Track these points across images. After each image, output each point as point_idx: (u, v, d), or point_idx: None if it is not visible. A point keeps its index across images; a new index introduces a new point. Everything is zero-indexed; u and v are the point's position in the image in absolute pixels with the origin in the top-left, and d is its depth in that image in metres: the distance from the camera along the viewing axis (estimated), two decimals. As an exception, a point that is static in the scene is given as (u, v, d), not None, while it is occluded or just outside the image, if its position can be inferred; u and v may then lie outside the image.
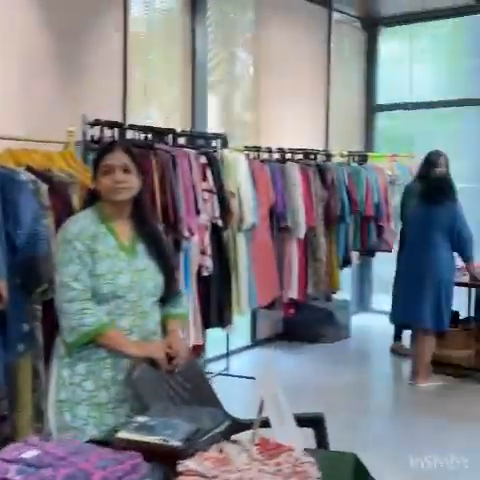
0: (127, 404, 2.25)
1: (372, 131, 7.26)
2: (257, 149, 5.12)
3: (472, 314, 5.56)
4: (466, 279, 5.06)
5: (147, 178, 3.50)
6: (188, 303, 3.98)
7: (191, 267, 3.99)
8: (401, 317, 5.00)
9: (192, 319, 4.00)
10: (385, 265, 6.64)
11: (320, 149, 5.95)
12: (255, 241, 4.80)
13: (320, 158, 5.73)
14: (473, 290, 5.48)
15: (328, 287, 5.65)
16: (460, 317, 5.34)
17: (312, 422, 2.38)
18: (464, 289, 5.39)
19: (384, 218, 6.06)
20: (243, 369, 5.23)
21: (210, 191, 4.11)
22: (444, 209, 4.78)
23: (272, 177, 4.97)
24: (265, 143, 5.34)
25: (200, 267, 4.09)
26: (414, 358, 4.99)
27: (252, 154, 5.06)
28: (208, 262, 4.09)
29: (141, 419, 1.81)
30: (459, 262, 5.02)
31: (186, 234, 3.83)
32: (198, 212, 3.96)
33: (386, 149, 7.02)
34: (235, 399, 4.78)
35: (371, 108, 7.23)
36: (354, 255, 6.07)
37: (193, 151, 4.06)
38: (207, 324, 4.21)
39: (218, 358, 5.31)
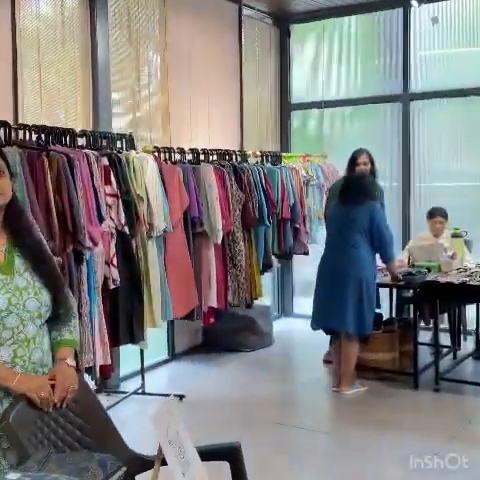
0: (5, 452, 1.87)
1: (287, 130, 7.08)
2: (168, 150, 4.81)
3: (394, 315, 5.47)
4: (387, 280, 4.92)
5: (39, 183, 3.14)
6: (95, 318, 3.63)
7: (95, 280, 3.62)
8: (322, 322, 4.78)
9: (98, 337, 3.63)
10: (306, 267, 6.49)
11: (235, 149, 5.70)
12: (169, 248, 4.49)
13: (236, 159, 5.47)
14: (394, 291, 5.39)
15: (249, 294, 5.40)
16: (383, 319, 5.21)
17: (226, 454, 2.09)
18: (386, 290, 5.28)
19: (300, 220, 5.87)
20: (160, 386, 4.89)
21: (114, 196, 3.76)
22: (363, 209, 4.62)
23: (185, 179, 4.67)
24: (177, 144, 5.04)
25: (106, 279, 3.73)
26: (337, 364, 4.80)
27: (163, 155, 4.74)
28: (115, 274, 3.74)
29: (13, 477, 1.47)
30: (380, 262, 4.89)
31: (88, 244, 3.47)
32: (101, 219, 3.60)
33: (302, 149, 6.87)
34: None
35: (286, 107, 7.05)
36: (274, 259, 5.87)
37: (94, 152, 3.70)
38: (116, 342, 3.85)
39: (133, 375, 4.95)
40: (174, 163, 4.77)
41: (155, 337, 4.95)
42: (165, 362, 5.52)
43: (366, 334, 4.65)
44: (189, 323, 5.11)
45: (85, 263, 3.53)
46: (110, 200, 3.73)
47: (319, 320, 4.78)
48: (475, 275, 4.69)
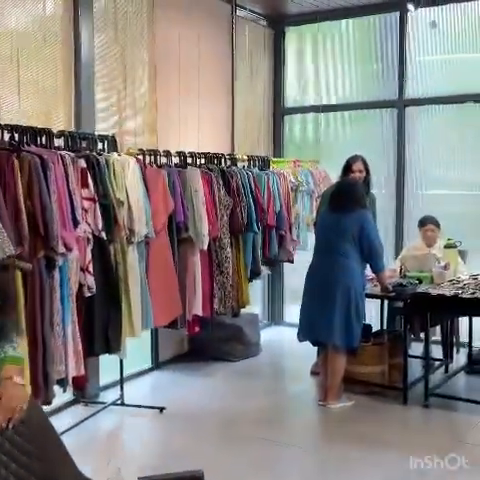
0: None
1: (280, 135, 6.93)
2: (153, 153, 4.65)
3: (385, 327, 5.31)
4: (377, 290, 4.76)
5: (8, 185, 2.99)
6: (68, 327, 3.47)
7: (69, 287, 3.46)
8: (309, 333, 4.61)
9: (71, 347, 3.47)
10: (297, 274, 6.32)
11: (225, 153, 5.55)
12: (151, 254, 4.34)
13: (224, 162, 5.32)
14: (385, 302, 5.23)
15: (236, 302, 5.24)
16: (372, 330, 5.05)
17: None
18: (377, 301, 5.12)
19: (285, 227, 5.71)
20: (141, 397, 4.73)
21: (91, 199, 3.61)
22: (354, 216, 4.46)
23: (170, 183, 4.52)
24: (165, 147, 4.88)
25: (81, 287, 3.57)
26: (324, 377, 4.64)
27: (148, 158, 4.59)
28: (90, 281, 3.58)
29: None
30: (370, 272, 4.74)
31: (61, 249, 3.31)
32: (76, 224, 3.45)
33: (295, 154, 6.72)
34: (128, 433, 4.32)
35: (279, 110, 6.90)
36: (261, 266, 5.70)
37: (70, 154, 3.54)
38: (90, 352, 3.69)
39: (114, 385, 4.78)
40: (159, 166, 4.61)
41: (138, 345, 4.79)
42: (148, 371, 5.36)
43: (354, 347, 4.48)
44: (174, 331, 4.95)
45: (58, 269, 3.36)
46: (87, 204, 3.57)
47: (305, 331, 4.62)
48: (467, 287, 4.53)
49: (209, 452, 3.87)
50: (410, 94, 6.32)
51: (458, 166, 6.17)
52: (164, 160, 4.75)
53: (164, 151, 4.75)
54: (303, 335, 4.63)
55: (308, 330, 4.59)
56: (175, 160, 4.87)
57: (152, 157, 4.62)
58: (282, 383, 5.41)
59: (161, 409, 4.43)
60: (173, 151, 4.83)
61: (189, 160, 4.92)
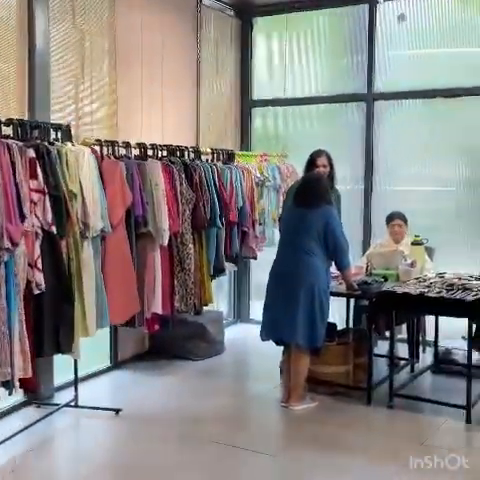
0: None
1: (247, 128, 6.77)
2: (111, 143, 4.46)
3: (351, 326, 5.20)
4: (343, 288, 4.64)
5: None
6: (14, 327, 3.28)
7: (15, 284, 3.26)
8: (271, 332, 4.47)
9: (18, 347, 3.28)
10: (264, 271, 6.16)
11: (189, 146, 5.37)
12: (108, 250, 4.15)
13: (188, 156, 5.14)
14: (351, 300, 5.11)
15: (198, 299, 5.08)
16: (337, 329, 4.93)
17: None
18: (341, 299, 4.99)
19: (248, 223, 5.55)
20: (98, 397, 4.54)
21: (40, 191, 3.41)
22: (319, 212, 4.33)
23: (129, 175, 4.33)
24: (125, 138, 4.69)
25: (29, 284, 3.38)
26: (287, 377, 4.50)
27: (106, 149, 4.39)
28: (38, 277, 3.38)
29: None
30: (335, 270, 4.61)
31: (6, 244, 3.12)
32: (23, 217, 3.25)
33: (263, 147, 6.57)
34: (81, 436, 4.13)
35: (246, 103, 6.74)
36: (227, 263, 5.55)
37: (17, 143, 3.34)
38: (40, 352, 3.50)
39: (70, 385, 4.58)
40: (118, 158, 4.42)
41: (96, 344, 4.62)
42: (106, 371, 5.18)
43: (318, 346, 4.36)
44: (134, 329, 4.77)
45: (3, 265, 3.17)
46: (35, 196, 3.38)
47: (268, 330, 4.48)
48: (434, 286, 4.44)
49: (163, 456, 3.72)
50: (379, 88, 6.22)
51: (427, 162, 6.08)
52: (123, 152, 4.56)
53: (123, 142, 4.56)
54: (266, 334, 4.50)
55: (271, 329, 4.45)
56: (135, 152, 4.68)
57: (110, 148, 4.42)
58: (245, 383, 5.27)
59: (117, 411, 4.26)
60: (133, 142, 4.64)
61: (150, 152, 4.73)
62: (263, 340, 4.55)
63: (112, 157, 4.36)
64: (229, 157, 5.70)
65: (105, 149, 4.35)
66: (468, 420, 4.15)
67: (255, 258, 5.85)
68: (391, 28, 6.14)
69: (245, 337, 6.32)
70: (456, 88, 5.80)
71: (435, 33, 6.01)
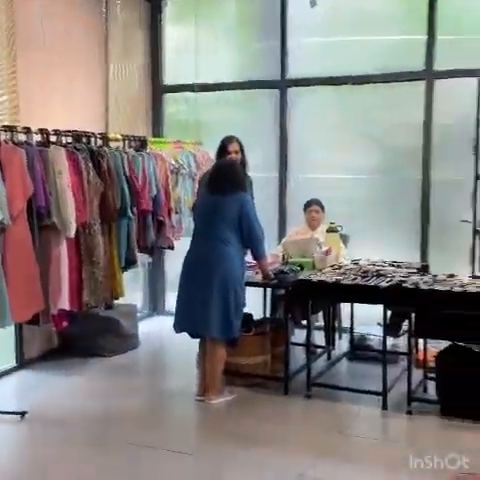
0: None
1: (159, 114, 6.55)
2: (9, 129, 4.14)
3: (267, 315, 5.12)
4: (259, 278, 4.54)
5: None
6: None
7: None
8: (185, 325, 4.31)
9: None
10: (180, 261, 5.99)
11: (97, 132, 5.09)
12: (8, 243, 3.90)
13: (95, 142, 4.88)
14: (268, 289, 5.03)
15: (109, 293, 4.86)
16: (254, 319, 4.83)
17: None
18: (258, 289, 4.89)
19: (164, 212, 5.36)
20: (1, 401, 4.23)
21: None
22: (231, 200, 4.20)
23: (29, 163, 4.04)
24: (27, 123, 4.37)
25: None
26: (203, 370, 4.36)
27: (4, 135, 4.08)
28: None
29: None
30: (251, 259, 4.50)
31: None
32: None
33: (176, 134, 6.36)
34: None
35: (157, 88, 6.51)
36: (140, 254, 5.33)
37: None
38: None
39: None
40: (17, 144, 4.12)
41: (0, 342, 4.31)
42: (11, 371, 4.86)
43: (233, 338, 4.23)
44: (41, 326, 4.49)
45: None
46: None
47: (182, 322, 4.31)
48: (349, 273, 4.41)
49: (73, 461, 3.49)
50: (293, 75, 6.14)
51: (339, 150, 6.06)
52: (23, 138, 4.25)
53: (23, 128, 4.26)
54: (179, 326, 4.33)
55: (185, 321, 4.29)
56: (37, 138, 4.38)
57: (8, 134, 4.11)
58: (160, 378, 5.06)
59: (22, 414, 3.99)
60: (35, 128, 4.33)
61: (53, 138, 4.45)
62: (177, 332, 4.39)
63: (10, 143, 4.06)
64: (141, 144, 5.47)
65: (3, 135, 4.05)
66: (384, 406, 4.15)
67: (172, 248, 5.66)
68: (304, 14, 6.06)
69: (161, 330, 6.12)
70: (366, 75, 5.80)
71: (347, 21, 5.99)
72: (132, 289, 6.27)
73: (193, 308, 4.19)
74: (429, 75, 5.56)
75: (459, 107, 5.43)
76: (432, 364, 4.34)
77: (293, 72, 6.13)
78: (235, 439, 3.76)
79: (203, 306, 4.13)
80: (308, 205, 5.44)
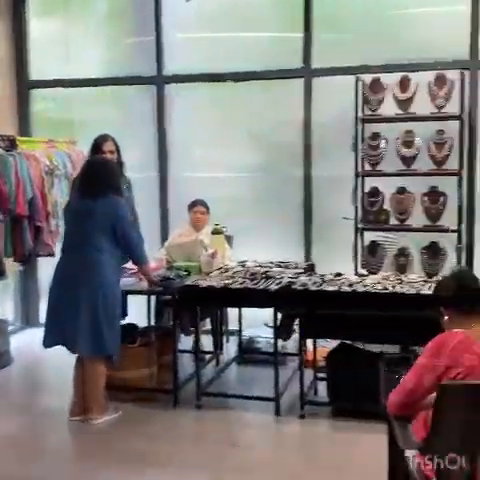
0: None
1: (26, 111, 6.07)
2: None
3: (152, 323, 4.86)
4: (145, 285, 4.26)
5: None
6: None
7: None
8: (55, 339, 3.93)
9: None
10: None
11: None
12: None
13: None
14: (152, 296, 4.76)
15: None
16: (138, 329, 4.55)
17: None
18: (142, 296, 4.62)
19: (41, 216, 4.95)
20: None
21: None
22: (106, 202, 3.86)
23: None
24: None
25: None
26: (79, 388, 3.99)
27: None
28: None
29: None
30: (133, 265, 4.21)
31: None
32: None
33: (47, 133, 5.91)
34: None
35: (23, 84, 6.02)
36: (10, 263, 4.89)
37: None
38: None
39: None
40: None
41: None
42: None
43: (107, 354, 3.90)
44: None
45: None
46: None
47: (52, 336, 3.92)
48: (237, 276, 4.25)
49: None
50: (170, 71, 5.90)
51: (222, 147, 5.91)
52: None
53: None
54: (49, 340, 3.95)
55: (56, 334, 3.91)
56: None
57: None
58: (35, 398, 4.59)
59: None
60: None
61: None
62: (46, 347, 4.00)
63: None
64: (11, 144, 5.02)
65: None
66: (277, 412, 4.04)
67: (53, 255, 5.20)
68: (180, 9, 5.84)
69: (35, 344, 5.63)
70: (246, 72, 5.69)
71: (226, 17, 5.86)
72: (1, 300, 5.79)
73: (62, 322, 3.85)
74: (307, 73, 5.54)
75: (338, 105, 5.44)
76: (322, 364, 4.29)
77: (171, 68, 5.90)
78: (123, 462, 3.49)
79: (71, 320, 3.80)
80: (193, 205, 5.21)
